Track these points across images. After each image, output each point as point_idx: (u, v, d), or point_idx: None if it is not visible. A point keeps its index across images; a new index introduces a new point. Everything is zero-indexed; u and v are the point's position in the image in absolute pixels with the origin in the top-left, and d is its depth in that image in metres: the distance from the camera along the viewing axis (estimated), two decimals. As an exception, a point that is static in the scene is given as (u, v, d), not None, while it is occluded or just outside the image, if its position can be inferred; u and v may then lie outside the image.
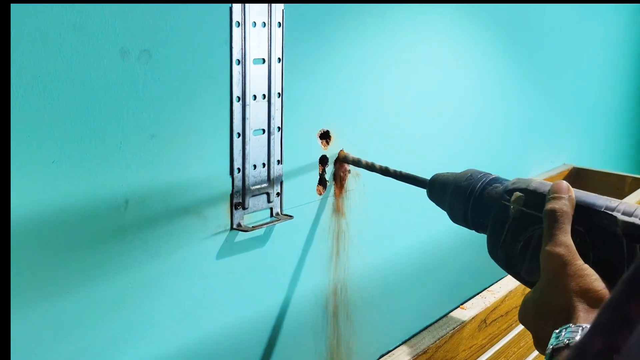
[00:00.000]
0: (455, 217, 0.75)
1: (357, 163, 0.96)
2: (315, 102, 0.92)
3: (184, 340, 0.79)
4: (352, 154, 0.97)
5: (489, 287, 1.02)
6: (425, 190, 0.82)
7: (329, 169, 0.97)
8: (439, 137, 1.22)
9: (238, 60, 0.78)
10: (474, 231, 0.74)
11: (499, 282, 1.06)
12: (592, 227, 0.58)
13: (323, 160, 0.96)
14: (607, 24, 1.97)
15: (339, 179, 0.99)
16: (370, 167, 0.93)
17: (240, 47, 0.78)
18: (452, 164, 1.27)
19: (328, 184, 0.97)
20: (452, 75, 1.23)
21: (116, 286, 0.70)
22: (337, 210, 1.00)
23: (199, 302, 0.80)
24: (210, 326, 0.83)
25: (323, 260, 1.00)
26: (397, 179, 0.89)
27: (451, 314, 0.92)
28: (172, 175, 0.74)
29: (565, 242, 0.57)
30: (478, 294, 0.99)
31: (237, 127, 0.80)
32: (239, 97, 0.80)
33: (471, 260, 1.42)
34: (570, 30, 1.72)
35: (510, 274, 0.67)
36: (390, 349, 1.20)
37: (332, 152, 0.97)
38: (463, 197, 0.72)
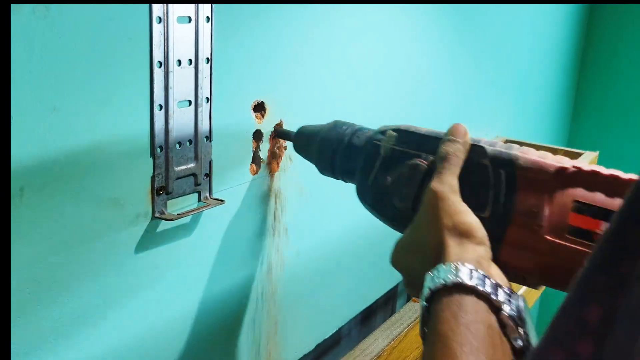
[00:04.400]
0: (323, 168, 0.75)
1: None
2: (249, 69, 0.80)
3: (99, 348, 0.67)
4: (288, 127, 0.87)
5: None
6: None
7: (264, 146, 0.86)
8: (376, 109, 1.13)
9: (159, 17, 0.66)
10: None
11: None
12: (472, 161, 0.61)
13: (257, 136, 0.85)
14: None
15: (275, 157, 0.88)
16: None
17: (162, 3, 0.65)
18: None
19: (262, 162, 0.86)
20: (395, 45, 1.14)
21: (13, 292, 0.57)
22: (273, 191, 0.90)
23: (115, 304, 0.68)
24: (130, 330, 0.71)
25: (257, 247, 0.89)
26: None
27: (404, 308, 0.84)
28: (79, 156, 0.61)
29: (450, 182, 0.58)
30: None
31: (159, 98, 0.68)
32: (160, 63, 0.67)
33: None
34: (502, 5, 1.67)
35: (376, 212, 0.67)
36: (327, 336, 1.13)
37: (267, 126, 0.86)
38: (331, 144, 0.73)
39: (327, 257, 1.07)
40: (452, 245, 0.55)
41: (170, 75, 0.68)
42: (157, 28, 0.66)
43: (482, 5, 1.51)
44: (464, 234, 0.56)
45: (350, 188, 1.08)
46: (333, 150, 0.72)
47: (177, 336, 0.78)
